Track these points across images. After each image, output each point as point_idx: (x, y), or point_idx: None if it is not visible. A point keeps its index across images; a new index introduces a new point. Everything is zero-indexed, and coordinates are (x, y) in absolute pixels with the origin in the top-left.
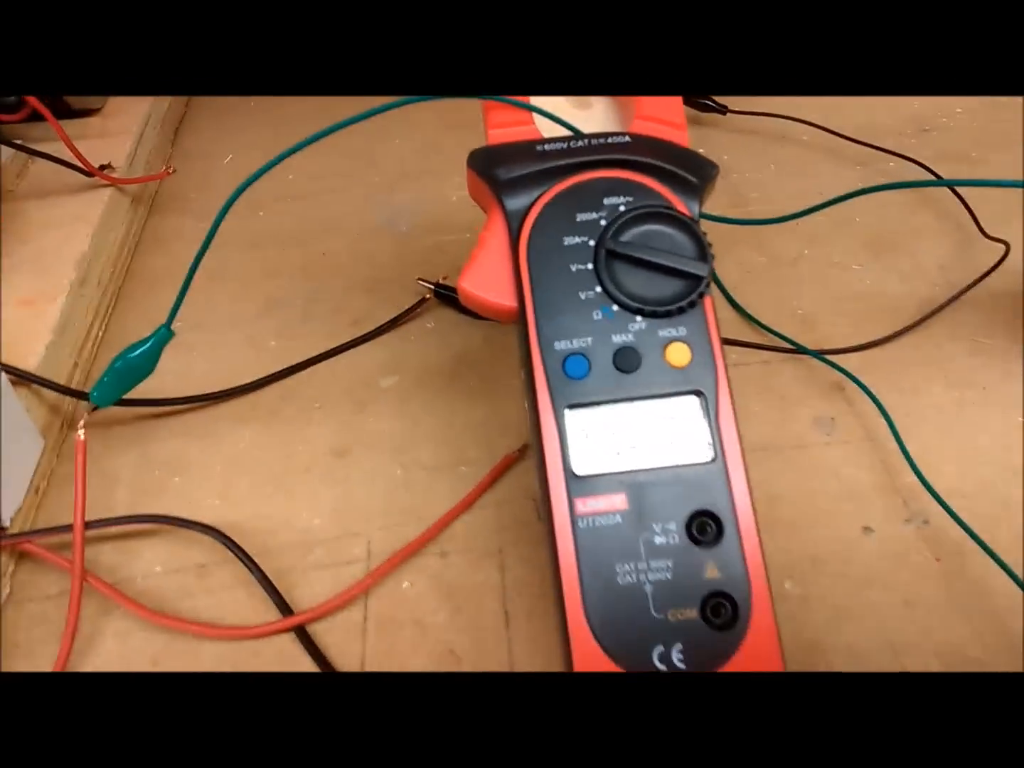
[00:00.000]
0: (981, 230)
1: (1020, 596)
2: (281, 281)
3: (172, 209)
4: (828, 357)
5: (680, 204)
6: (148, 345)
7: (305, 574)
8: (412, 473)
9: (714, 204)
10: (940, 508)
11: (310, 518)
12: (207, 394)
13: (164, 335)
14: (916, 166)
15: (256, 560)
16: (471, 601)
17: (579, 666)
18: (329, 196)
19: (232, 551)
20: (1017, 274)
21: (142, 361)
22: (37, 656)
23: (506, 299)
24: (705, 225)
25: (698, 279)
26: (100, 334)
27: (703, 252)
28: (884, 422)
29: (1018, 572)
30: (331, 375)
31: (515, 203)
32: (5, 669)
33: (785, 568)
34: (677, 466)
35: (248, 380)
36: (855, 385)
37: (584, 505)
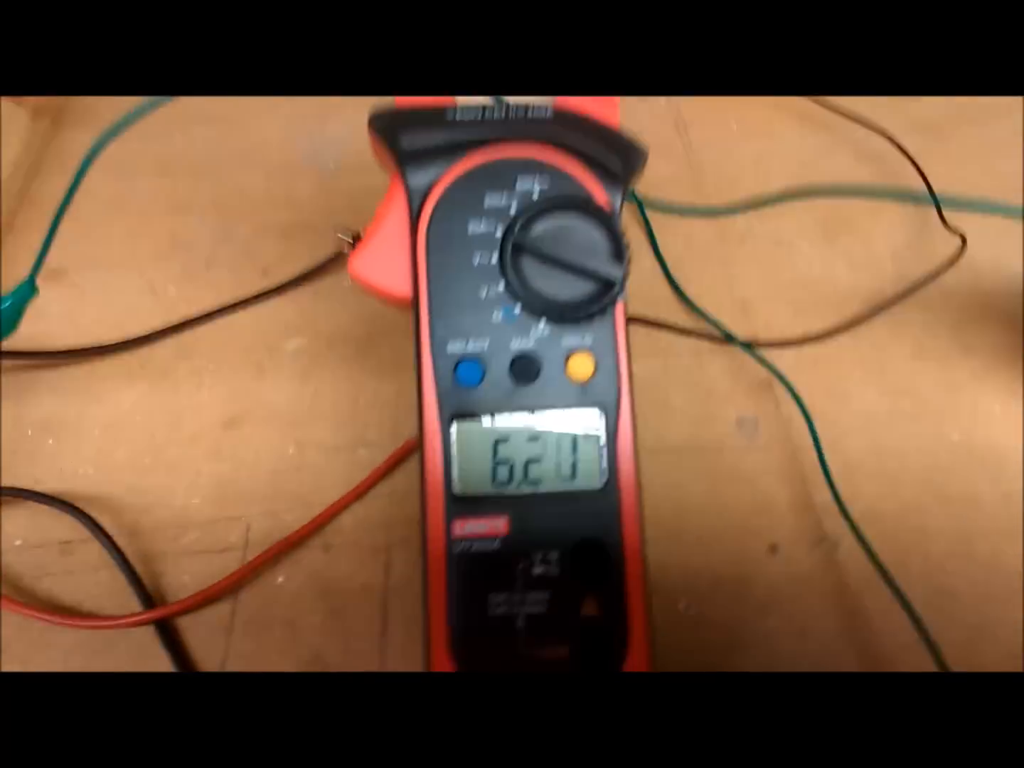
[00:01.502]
0: (942, 218)
1: (915, 636)
2: (189, 218)
3: (81, 124)
4: (761, 351)
5: (601, 193)
6: (6, 304)
7: (176, 560)
8: (306, 452)
9: (668, 166)
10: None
11: (188, 497)
12: (92, 347)
13: (25, 293)
14: (882, 138)
15: (125, 540)
16: (349, 604)
17: None
18: (252, 121)
19: (93, 533)
20: (969, 271)
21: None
22: None
23: (400, 287)
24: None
25: (610, 284)
26: None
27: (619, 252)
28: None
29: (921, 610)
30: (232, 332)
31: (418, 178)
32: None
33: (682, 586)
34: (567, 491)
35: (141, 332)
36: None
37: (462, 528)
